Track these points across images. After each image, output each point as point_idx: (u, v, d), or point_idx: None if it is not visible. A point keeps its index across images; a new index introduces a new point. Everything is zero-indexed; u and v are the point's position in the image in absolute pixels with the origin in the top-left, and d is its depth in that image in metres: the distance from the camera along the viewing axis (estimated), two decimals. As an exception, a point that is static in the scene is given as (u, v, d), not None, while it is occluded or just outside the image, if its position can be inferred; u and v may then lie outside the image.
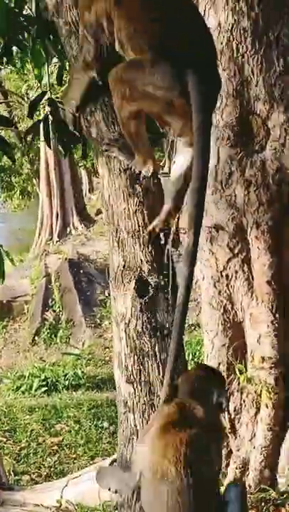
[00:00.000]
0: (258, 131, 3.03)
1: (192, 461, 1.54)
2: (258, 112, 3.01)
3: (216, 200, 3.09)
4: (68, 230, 13.20)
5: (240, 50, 2.92)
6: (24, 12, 3.23)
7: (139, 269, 1.98)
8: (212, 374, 1.85)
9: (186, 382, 1.73)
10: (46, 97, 3.33)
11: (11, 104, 14.46)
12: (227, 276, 3.22)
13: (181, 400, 1.67)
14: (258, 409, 3.26)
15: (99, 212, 13.20)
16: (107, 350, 8.95)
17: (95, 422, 5.47)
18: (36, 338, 10.00)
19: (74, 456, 4.93)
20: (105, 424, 5.41)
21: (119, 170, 1.97)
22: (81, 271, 10.74)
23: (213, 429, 1.69)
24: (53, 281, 10.78)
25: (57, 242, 12.95)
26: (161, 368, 1.96)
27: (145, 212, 1.96)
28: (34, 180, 14.29)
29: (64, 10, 2.01)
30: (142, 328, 1.97)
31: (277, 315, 3.15)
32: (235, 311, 3.27)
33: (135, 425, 2.01)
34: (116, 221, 2.01)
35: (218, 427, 1.79)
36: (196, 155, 1.66)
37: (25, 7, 3.22)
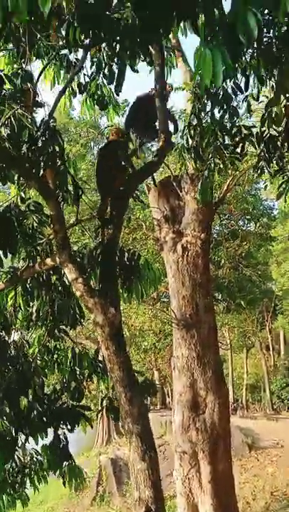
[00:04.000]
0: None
1: None
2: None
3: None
4: (111, 439, 23.84)
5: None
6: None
7: None
8: None
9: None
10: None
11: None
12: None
13: None
14: None
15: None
16: None
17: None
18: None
19: None
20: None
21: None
22: (117, 464, 20.74)
23: None
24: (102, 469, 20.78)
25: (105, 446, 23.45)
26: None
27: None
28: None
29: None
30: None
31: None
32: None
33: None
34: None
35: None
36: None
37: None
